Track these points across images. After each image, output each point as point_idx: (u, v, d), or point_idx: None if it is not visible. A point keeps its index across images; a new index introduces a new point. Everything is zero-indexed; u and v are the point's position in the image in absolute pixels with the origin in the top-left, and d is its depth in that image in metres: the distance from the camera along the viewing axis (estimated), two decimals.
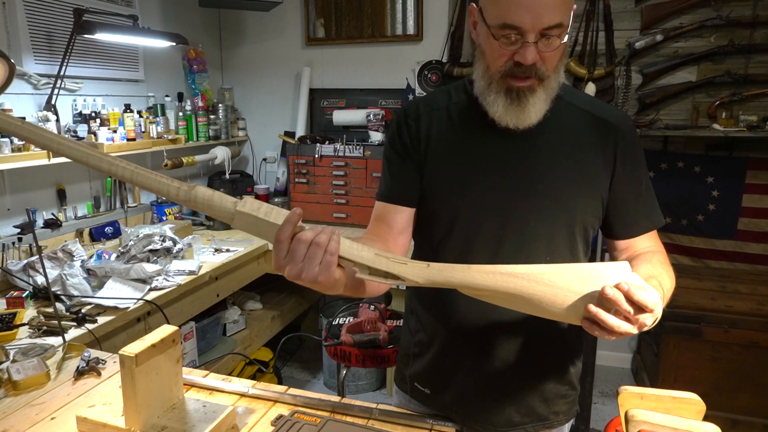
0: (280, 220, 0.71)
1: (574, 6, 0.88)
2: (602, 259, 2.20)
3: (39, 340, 1.42)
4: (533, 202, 0.94)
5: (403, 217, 1.01)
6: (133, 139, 2.42)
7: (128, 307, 1.69)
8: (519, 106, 0.88)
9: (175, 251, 2.06)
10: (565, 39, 0.86)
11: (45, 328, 1.50)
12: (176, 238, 2.11)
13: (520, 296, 0.75)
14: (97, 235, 2.35)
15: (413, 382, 1.11)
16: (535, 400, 1.03)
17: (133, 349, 0.87)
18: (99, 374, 1.15)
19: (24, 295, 1.70)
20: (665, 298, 0.82)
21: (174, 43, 2.45)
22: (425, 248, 1.06)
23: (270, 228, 0.72)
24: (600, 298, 0.73)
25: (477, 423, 1.04)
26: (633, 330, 0.73)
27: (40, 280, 1.76)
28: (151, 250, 1.98)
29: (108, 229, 2.39)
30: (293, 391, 1.07)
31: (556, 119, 0.96)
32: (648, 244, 1.00)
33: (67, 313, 1.60)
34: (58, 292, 1.70)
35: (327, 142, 2.88)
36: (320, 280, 0.70)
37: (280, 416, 1.00)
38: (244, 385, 1.09)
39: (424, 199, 1.01)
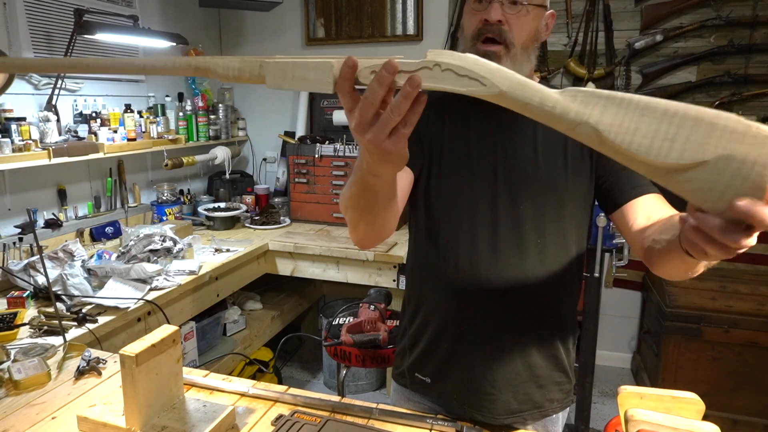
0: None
1: (550, 10, 0.99)
2: (601, 258, 2.19)
3: (40, 340, 1.42)
4: (521, 185, 0.99)
5: (402, 176, 1.00)
6: (134, 139, 2.42)
7: (128, 307, 1.69)
8: None
9: (175, 251, 2.06)
10: (541, 24, 0.97)
11: (46, 327, 1.50)
12: (176, 238, 2.11)
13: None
14: (97, 235, 2.35)
15: (413, 373, 1.12)
16: (531, 386, 1.04)
17: (133, 349, 0.87)
18: (99, 374, 1.16)
19: (25, 295, 1.70)
20: None
21: (174, 43, 2.45)
22: (420, 232, 1.09)
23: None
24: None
25: (477, 411, 1.04)
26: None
27: (40, 279, 1.76)
28: (151, 250, 1.98)
29: (108, 229, 2.40)
30: (293, 391, 1.07)
31: None
32: (669, 210, 0.89)
33: (68, 313, 1.61)
34: (59, 292, 1.70)
35: (327, 142, 2.88)
36: (391, 148, 0.62)
37: (280, 416, 1.00)
38: (244, 385, 1.09)
39: (421, 182, 1.05)
